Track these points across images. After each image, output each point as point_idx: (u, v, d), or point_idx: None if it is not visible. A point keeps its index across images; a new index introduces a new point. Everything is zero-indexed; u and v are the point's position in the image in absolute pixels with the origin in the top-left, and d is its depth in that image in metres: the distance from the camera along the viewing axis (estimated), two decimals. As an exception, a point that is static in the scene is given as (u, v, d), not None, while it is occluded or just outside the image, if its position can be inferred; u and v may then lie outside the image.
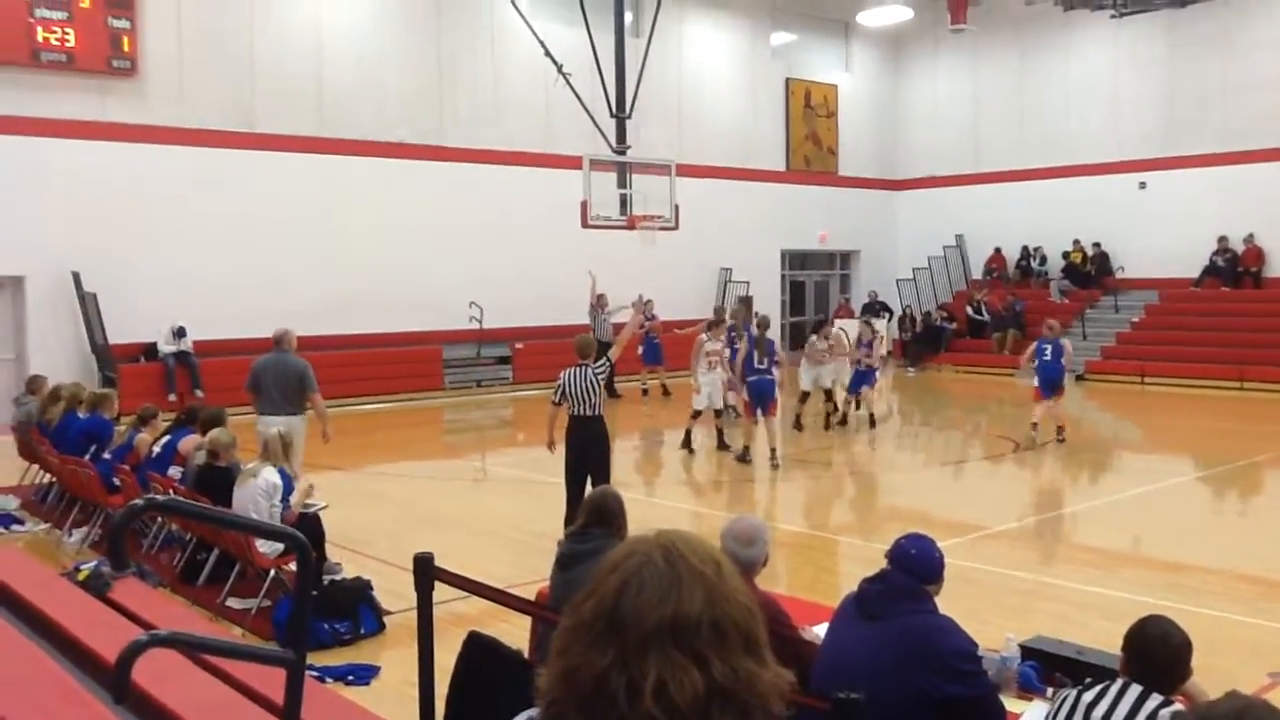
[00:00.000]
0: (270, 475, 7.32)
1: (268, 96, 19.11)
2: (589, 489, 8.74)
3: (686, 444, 14.21)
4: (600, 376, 8.91)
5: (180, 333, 17.51)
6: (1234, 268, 23.21)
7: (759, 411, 13.06)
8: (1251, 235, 23.04)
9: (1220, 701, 1.33)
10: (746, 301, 19.80)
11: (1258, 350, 20.80)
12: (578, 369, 8.88)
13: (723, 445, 14.15)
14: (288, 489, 7.42)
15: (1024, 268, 26.94)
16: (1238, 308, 22.42)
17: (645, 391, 20.02)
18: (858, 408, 16.55)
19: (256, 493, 7.22)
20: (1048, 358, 14.61)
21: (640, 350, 19.51)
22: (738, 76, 26.42)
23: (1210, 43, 23.46)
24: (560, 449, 8.99)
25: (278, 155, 19.07)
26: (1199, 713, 1.34)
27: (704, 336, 14.30)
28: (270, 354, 9.92)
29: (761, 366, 12.99)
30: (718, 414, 14.38)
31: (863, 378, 16.33)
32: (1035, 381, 14.83)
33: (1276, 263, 22.90)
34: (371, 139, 20.17)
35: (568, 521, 8.93)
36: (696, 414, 14.24)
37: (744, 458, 13.04)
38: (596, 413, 8.82)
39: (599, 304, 19.86)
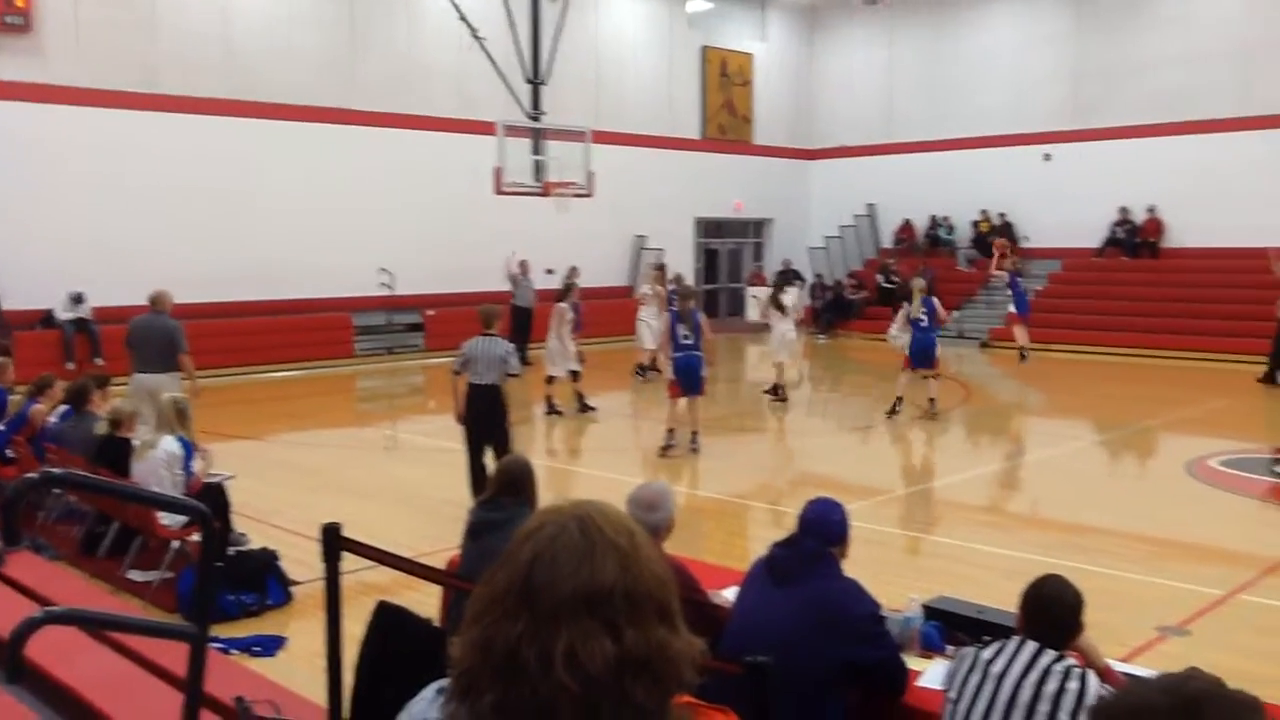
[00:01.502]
0: (170, 445, 7.15)
1: (171, 57, 18.50)
2: (490, 458, 8.89)
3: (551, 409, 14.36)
4: (510, 350, 9.06)
5: (78, 299, 16.98)
6: (1133, 239, 23.90)
7: (686, 392, 11.80)
8: (1153, 208, 23.72)
9: (1168, 674, 1.35)
10: (661, 268, 19.78)
11: (1155, 319, 21.48)
12: (484, 338, 9.01)
13: (585, 408, 14.37)
14: (188, 455, 7.25)
15: (933, 237, 27.41)
16: (1137, 277, 23.11)
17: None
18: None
19: (158, 464, 7.06)
20: (924, 325, 13.66)
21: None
22: (654, 44, 26.34)
23: (1115, 19, 24.04)
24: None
25: (182, 117, 18.47)
26: (1138, 688, 1.37)
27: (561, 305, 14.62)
28: (146, 315, 10.37)
29: (688, 342, 11.71)
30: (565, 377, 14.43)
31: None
32: (906, 348, 13.80)
33: (1175, 235, 23.63)
34: (281, 101, 19.69)
35: (473, 489, 9.00)
36: (550, 379, 14.43)
37: (668, 447, 11.74)
38: (496, 381, 8.95)
39: (522, 270, 19.81)
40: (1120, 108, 23.97)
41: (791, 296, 16.13)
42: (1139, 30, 23.81)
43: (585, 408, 14.54)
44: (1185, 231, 23.38)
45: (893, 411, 13.77)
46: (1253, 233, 21.71)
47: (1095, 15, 24.32)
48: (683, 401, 11.85)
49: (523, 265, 20.00)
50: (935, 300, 14.05)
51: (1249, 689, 1.37)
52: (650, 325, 16.94)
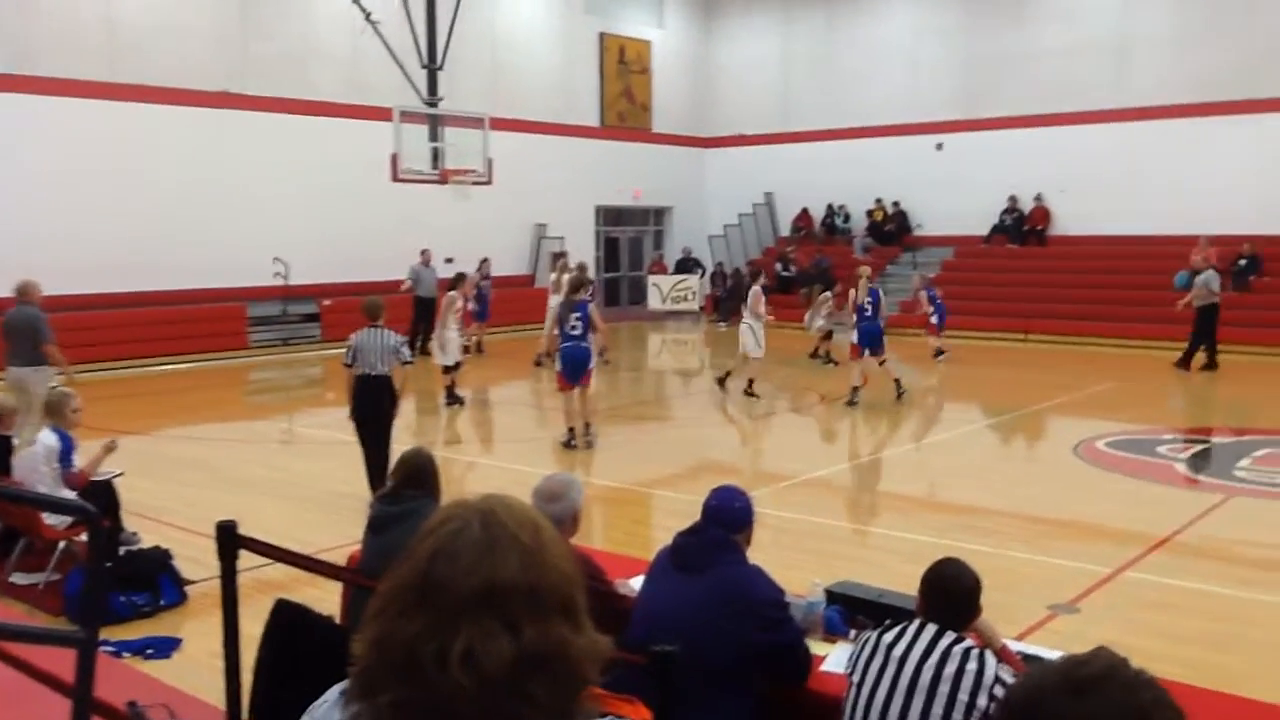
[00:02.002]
0: (47, 438, 6.88)
1: (50, 36, 17.77)
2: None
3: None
4: (402, 341, 9.13)
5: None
6: (1020, 226, 24.58)
7: (571, 383, 11.61)
8: (1040, 196, 24.42)
9: (1063, 660, 1.37)
10: (561, 255, 19.73)
11: (1041, 304, 22.13)
12: (371, 330, 9.03)
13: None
14: (66, 448, 6.97)
15: (829, 225, 27.81)
16: (1024, 265, 23.77)
17: (469, 349, 19.85)
18: None
19: (36, 460, 6.79)
20: (869, 313, 14.16)
21: (472, 307, 19.31)
22: (552, 30, 26.20)
23: (1003, 12, 24.70)
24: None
25: (63, 100, 17.77)
26: (1036, 672, 1.38)
27: (452, 294, 14.40)
28: (15, 306, 10.26)
29: (575, 332, 11.52)
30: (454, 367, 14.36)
31: None
32: (854, 337, 14.30)
33: (1061, 223, 24.37)
34: (168, 85, 19.07)
35: (371, 483, 8.93)
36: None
37: (569, 442, 11.62)
38: (387, 372, 9.00)
39: (424, 260, 19.61)
40: (1009, 98, 24.64)
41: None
42: (1025, 22, 24.50)
43: (453, 399, 14.34)
44: (1070, 219, 24.13)
45: (852, 401, 14.00)
46: (1132, 220, 22.57)
47: (984, 8, 24.95)
48: (576, 392, 11.67)
49: (424, 255, 19.76)
50: (879, 290, 14.56)
51: (1140, 664, 1.40)
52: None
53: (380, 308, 9.30)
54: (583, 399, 11.73)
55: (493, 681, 1.24)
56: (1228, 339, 17.80)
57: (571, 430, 11.66)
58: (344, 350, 9.17)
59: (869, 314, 14.13)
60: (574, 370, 11.55)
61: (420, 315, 18.86)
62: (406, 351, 9.20)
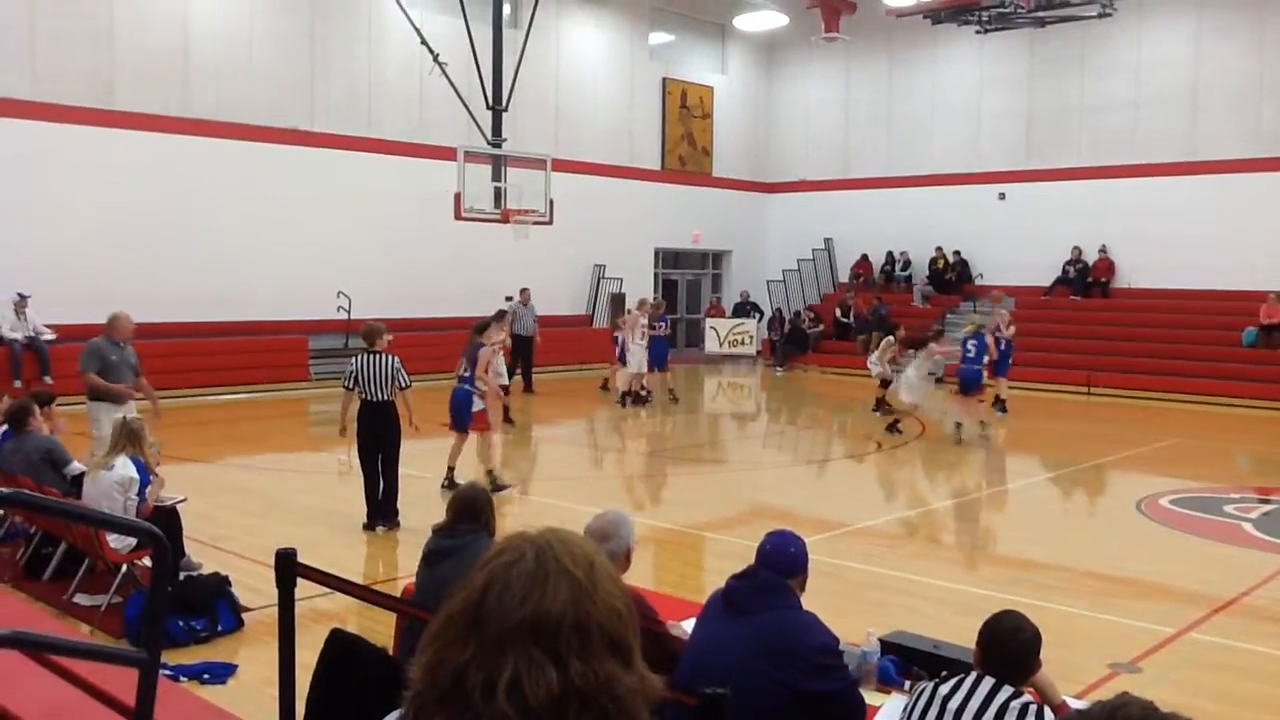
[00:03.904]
0: (125, 468, 7.02)
1: (128, 70, 18.34)
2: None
3: None
4: (399, 366, 9.32)
5: (23, 300, 16.48)
6: (1084, 278, 24.29)
7: (454, 427, 11.19)
8: (1104, 248, 24.13)
9: (1103, 702, 1.41)
10: (618, 298, 19.85)
11: (1104, 357, 21.78)
12: (369, 355, 9.32)
13: None
14: (144, 482, 7.13)
15: (888, 273, 27.67)
16: (1087, 316, 23.46)
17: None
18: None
19: (111, 487, 6.92)
20: (971, 355, 14.87)
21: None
22: (615, 74, 26.49)
23: (1068, 63, 24.54)
24: (353, 432, 9.60)
25: (138, 134, 18.30)
26: (1078, 716, 1.43)
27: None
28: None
29: (465, 374, 11.12)
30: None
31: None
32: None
33: (1125, 274, 24.04)
34: (240, 121, 19.55)
35: (368, 506, 9.05)
36: None
37: (445, 484, 10.90)
38: (389, 398, 9.23)
39: (523, 299, 19.98)
40: (1072, 149, 24.48)
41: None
42: (1088, 75, 24.33)
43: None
44: (1134, 272, 23.80)
45: (958, 440, 14.74)
46: (1197, 274, 22.21)
47: (1047, 58, 24.81)
48: (465, 438, 11.11)
49: (524, 294, 19.99)
50: (986, 336, 15.40)
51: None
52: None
53: (378, 333, 9.53)
54: (475, 442, 11.12)
55: (537, 714, 1.25)
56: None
57: (450, 470, 11.02)
58: (344, 375, 9.51)
59: (971, 356, 14.93)
60: (455, 414, 11.10)
61: (518, 351, 19.03)
62: (404, 376, 9.35)
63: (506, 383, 15.69)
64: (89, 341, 9.77)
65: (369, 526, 9.39)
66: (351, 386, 9.38)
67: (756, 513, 10.95)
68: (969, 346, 14.96)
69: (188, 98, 19.06)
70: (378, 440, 9.37)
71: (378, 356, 9.30)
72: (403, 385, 9.30)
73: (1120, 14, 21.99)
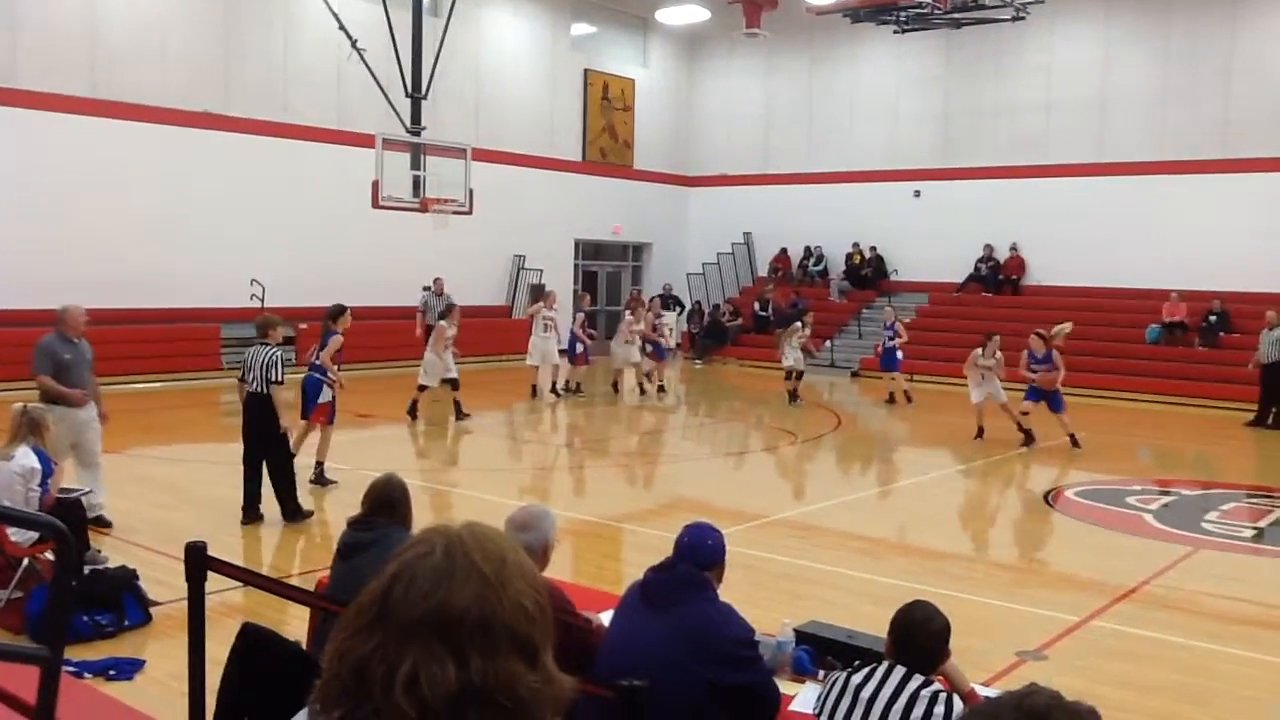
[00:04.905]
0: (26, 458, 6.81)
1: (32, 51, 17.74)
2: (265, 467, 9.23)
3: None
4: (274, 359, 9.20)
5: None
6: (996, 275, 24.82)
7: (302, 414, 10.87)
8: (1015, 245, 24.68)
9: (1011, 692, 1.44)
10: (537, 289, 19.79)
11: (1015, 353, 22.18)
12: (258, 347, 9.32)
13: None
14: (46, 472, 6.92)
15: (806, 267, 27.98)
16: (999, 313, 23.90)
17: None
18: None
19: (11, 478, 6.71)
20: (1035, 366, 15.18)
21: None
22: (537, 64, 26.36)
23: (983, 65, 25.06)
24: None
25: (43, 114, 17.72)
26: (988, 706, 1.45)
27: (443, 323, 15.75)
28: None
29: (315, 362, 10.92)
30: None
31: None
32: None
33: (1035, 272, 24.61)
34: (150, 104, 19.04)
35: (245, 501, 9.04)
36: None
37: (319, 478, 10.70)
38: (265, 390, 9.16)
39: (435, 289, 20.02)
40: (986, 148, 24.99)
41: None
42: (1003, 76, 24.89)
43: (413, 413, 15.38)
44: (1043, 270, 24.38)
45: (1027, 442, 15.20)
46: (1105, 273, 22.86)
47: (963, 59, 25.32)
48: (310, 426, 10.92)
49: (436, 283, 20.29)
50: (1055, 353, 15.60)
51: (1104, 713, 1.44)
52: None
53: (270, 325, 9.52)
54: (304, 430, 10.82)
55: (434, 711, 1.23)
56: (1196, 394, 17.98)
57: (320, 464, 10.78)
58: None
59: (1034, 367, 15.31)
60: (301, 401, 10.89)
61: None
62: (275, 372, 9.19)
63: (454, 376, 15.72)
64: (39, 340, 8.79)
65: (245, 520, 9.10)
66: (242, 377, 9.36)
67: (674, 505, 11.00)
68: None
69: (95, 79, 18.50)
70: (257, 432, 9.25)
71: (262, 348, 9.28)
72: (272, 380, 9.16)
73: (1033, 18, 22.47)
